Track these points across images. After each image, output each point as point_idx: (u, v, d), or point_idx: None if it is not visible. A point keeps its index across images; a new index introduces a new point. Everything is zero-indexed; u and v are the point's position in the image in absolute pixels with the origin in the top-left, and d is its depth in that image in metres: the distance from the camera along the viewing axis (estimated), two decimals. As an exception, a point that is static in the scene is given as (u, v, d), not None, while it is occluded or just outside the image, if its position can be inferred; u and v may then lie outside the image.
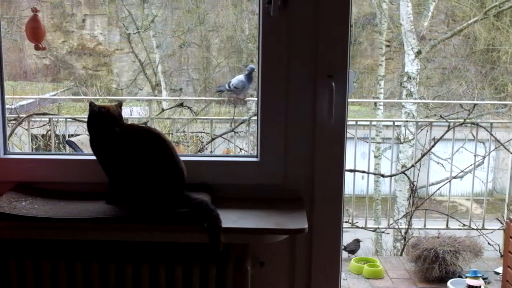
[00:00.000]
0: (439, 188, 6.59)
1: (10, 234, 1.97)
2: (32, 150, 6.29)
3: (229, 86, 5.69)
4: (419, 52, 8.89)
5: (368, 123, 10.33)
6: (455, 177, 7.07)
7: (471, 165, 6.37)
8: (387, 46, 10.04)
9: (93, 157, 2.03)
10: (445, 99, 9.37)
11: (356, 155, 6.04)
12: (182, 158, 2.03)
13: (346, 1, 2.05)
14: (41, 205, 2.02)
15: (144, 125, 2.09)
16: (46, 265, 2.00)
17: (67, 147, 4.46)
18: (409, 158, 8.57)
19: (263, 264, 2.12)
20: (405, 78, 9.02)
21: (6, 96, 2.15)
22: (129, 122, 6.50)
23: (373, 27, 10.43)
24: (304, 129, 2.14)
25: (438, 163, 7.39)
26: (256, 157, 2.19)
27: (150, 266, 2.00)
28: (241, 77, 5.65)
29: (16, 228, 1.94)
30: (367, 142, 6.87)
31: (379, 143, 8.73)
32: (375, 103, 9.72)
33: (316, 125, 2.12)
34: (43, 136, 6.20)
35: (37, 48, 2.18)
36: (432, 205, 7.12)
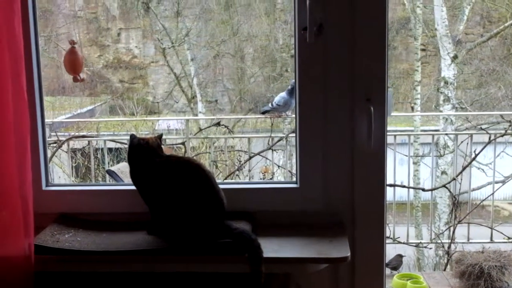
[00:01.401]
0: (482, 201, 6.43)
1: (54, 268, 1.99)
2: (71, 168, 6.37)
3: (272, 105, 5.69)
4: (455, 57, 8.78)
5: (404, 128, 10.26)
6: (497, 183, 6.97)
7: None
8: (423, 50, 9.95)
9: (134, 187, 2.05)
10: (484, 104, 9.23)
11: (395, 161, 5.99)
12: (221, 186, 2.03)
13: (382, 24, 2.03)
14: (83, 237, 2.04)
15: (183, 156, 2.09)
16: (90, 298, 2.01)
17: (107, 176, 4.49)
18: (448, 164, 8.47)
19: (305, 292, 2.11)
20: (441, 84, 8.92)
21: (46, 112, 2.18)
22: (167, 141, 6.62)
23: (408, 31, 10.35)
24: (343, 154, 2.12)
25: (479, 168, 7.27)
26: (296, 183, 2.18)
27: (193, 297, 2.00)
28: (283, 94, 5.64)
29: (60, 262, 1.95)
30: (406, 145, 6.80)
31: (417, 156, 8.64)
32: (412, 108, 9.63)
33: (355, 150, 2.10)
34: (82, 153, 6.28)
35: (75, 80, 2.20)
36: (474, 209, 6.99)
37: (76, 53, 2.22)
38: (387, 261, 5.28)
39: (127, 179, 2.11)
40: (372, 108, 2.04)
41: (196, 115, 9.34)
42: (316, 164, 2.13)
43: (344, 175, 2.13)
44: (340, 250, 1.97)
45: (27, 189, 1.87)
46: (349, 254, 1.94)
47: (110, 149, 7.02)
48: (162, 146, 2.05)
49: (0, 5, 1.72)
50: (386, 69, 2.06)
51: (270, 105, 5.69)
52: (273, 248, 1.97)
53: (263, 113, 6.02)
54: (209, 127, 6.35)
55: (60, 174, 6.65)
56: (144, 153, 2.02)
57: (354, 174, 2.12)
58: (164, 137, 7.95)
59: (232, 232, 1.94)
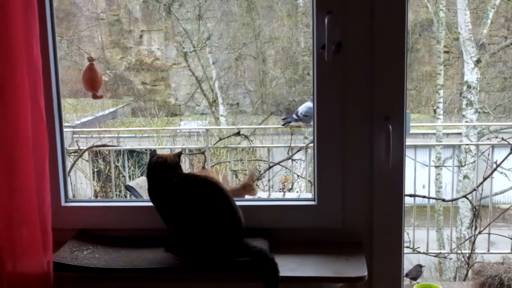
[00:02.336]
0: (503, 211, 6.37)
1: (73, 285, 2.01)
2: (93, 173, 6.42)
3: (297, 116, 5.41)
4: (478, 61, 8.71)
5: (427, 131, 10.21)
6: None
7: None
8: (446, 52, 9.88)
9: (152, 204, 2.06)
10: (507, 108, 9.15)
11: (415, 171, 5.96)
12: (239, 203, 2.03)
13: (401, 43, 2.02)
14: (102, 254, 2.05)
15: (201, 175, 2.09)
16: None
17: (128, 191, 4.51)
18: (471, 169, 8.40)
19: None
20: (464, 88, 8.85)
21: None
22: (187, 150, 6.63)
23: (431, 34, 10.28)
24: (361, 172, 2.11)
25: (501, 173, 7.21)
26: (314, 200, 2.18)
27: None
28: (308, 104, 5.39)
29: (79, 279, 1.97)
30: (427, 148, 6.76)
31: (438, 166, 8.58)
32: (435, 111, 9.57)
33: (373, 168, 2.10)
34: (103, 159, 6.34)
35: (94, 97, 2.21)
36: (496, 213, 6.93)
37: (94, 70, 2.24)
38: (406, 271, 5.27)
39: (146, 194, 2.12)
40: (390, 127, 2.03)
41: (218, 118, 9.35)
42: (334, 181, 2.13)
43: (362, 193, 2.13)
44: (357, 269, 1.97)
45: (46, 208, 1.89)
46: (366, 273, 1.94)
47: (131, 153, 7.06)
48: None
49: (19, 29, 1.74)
50: (405, 89, 2.05)
51: (295, 115, 5.43)
52: (290, 266, 1.97)
53: (286, 124, 5.80)
54: (228, 136, 6.35)
55: (83, 180, 6.72)
56: (162, 172, 2.03)
57: (372, 192, 2.12)
58: (184, 144, 7.98)
59: (249, 250, 1.95)
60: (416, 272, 5.27)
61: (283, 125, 6.02)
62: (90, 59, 2.25)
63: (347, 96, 2.07)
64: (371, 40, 2.03)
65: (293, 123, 5.71)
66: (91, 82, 2.23)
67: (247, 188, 3.48)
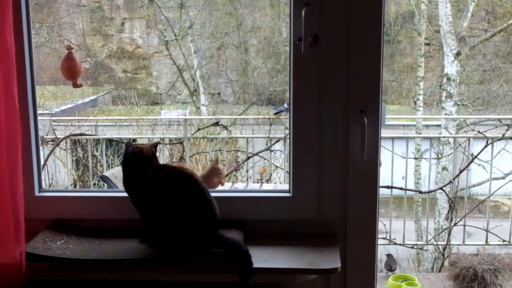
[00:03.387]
0: (479, 204, 6.42)
1: (46, 275, 1.99)
2: (72, 162, 6.38)
3: (288, 106, 5.43)
4: (458, 54, 8.75)
5: (407, 122, 10.26)
6: (496, 179, 6.98)
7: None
8: (427, 44, 9.93)
9: (127, 194, 2.05)
10: (486, 101, 9.22)
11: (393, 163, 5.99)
12: (214, 194, 2.03)
13: (378, 37, 2.02)
14: (75, 245, 2.04)
15: (176, 166, 2.08)
16: (81, 305, 2.02)
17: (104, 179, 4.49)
18: (449, 160, 8.47)
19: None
20: (444, 80, 8.91)
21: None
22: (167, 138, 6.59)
23: (412, 26, 10.32)
24: (336, 164, 2.12)
25: (479, 165, 7.28)
26: (289, 192, 2.18)
27: (183, 306, 2.01)
28: None
29: (51, 270, 1.96)
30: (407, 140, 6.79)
31: (416, 158, 8.63)
32: (415, 102, 9.63)
33: (348, 161, 2.10)
34: (82, 148, 6.30)
35: (75, 85, 2.19)
36: (473, 204, 6.99)
37: (73, 59, 2.22)
38: (382, 263, 5.32)
39: (121, 184, 2.11)
40: (366, 120, 2.04)
41: (199, 107, 9.34)
42: (309, 173, 2.13)
43: (337, 185, 2.13)
44: (331, 261, 1.97)
45: (18, 197, 1.87)
46: (339, 265, 1.94)
47: (110, 142, 7.02)
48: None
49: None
50: (381, 82, 2.05)
51: (286, 105, 5.48)
52: (263, 257, 1.97)
53: (277, 113, 5.83)
54: (207, 126, 6.34)
55: (62, 169, 6.68)
56: (137, 162, 2.02)
57: (347, 184, 2.12)
58: (164, 134, 7.94)
59: (223, 242, 1.94)
60: (391, 263, 5.32)
61: (274, 114, 6.05)
62: (69, 48, 2.23)
63: (323, 89, 2.07)
64: (347, 33, 2.03)
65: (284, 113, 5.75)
66: (70, 71, 2.21)
67: (214, 172, 3.48)
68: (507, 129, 5.96)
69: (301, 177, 2.15)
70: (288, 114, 2.21)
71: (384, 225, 5.71)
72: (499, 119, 6.36)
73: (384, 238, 5.70)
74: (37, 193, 2.20)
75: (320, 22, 2.01)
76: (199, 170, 6.08)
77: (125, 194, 2.06)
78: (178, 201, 1.95)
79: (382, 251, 5.65)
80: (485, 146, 5.96)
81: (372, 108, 2.06)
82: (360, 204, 2.13)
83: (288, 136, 2.26)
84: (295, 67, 2.07)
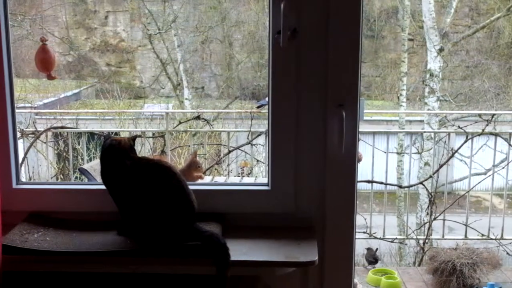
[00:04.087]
0: (458, 198, 6.47)
1: (23, 268, 1.99)
2: (54, 156, 6.35)
3: None
4: (441, 50, 8.80)
5: (390, 118, 10.30)
6: (478, 174, 7.03)
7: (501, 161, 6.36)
8: (410, 40, 9.97)
9: (105, 187, 2.04)
10: (468, 97, 9.29)
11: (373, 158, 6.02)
12: (192, 187, 2.03)
13: (356, 31, 2.03)
14: (53, 237, 2.04)
15: (154, 159, 2.08)
16: (58, 297, 2.02)
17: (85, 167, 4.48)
18: (432, 156, 8.52)
19: (274, 294, 2.13)
20: (427, 76, 8.95)
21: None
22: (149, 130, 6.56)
23: (396, 21, 10.35)
24: (315, 158, 2.12)
25: (461, 160, 7.33)
26: (267, 185, 2.18)
27: (161, 298, 2.01)
28: None
29: (28, 262, 1.95)
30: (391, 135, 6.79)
31: (398, 153, 8.68)
32: (398, 98, 9.66)
33: (326, 154, 2.11)
34: (64, 141, 6.27)
35: (49, 77, 2.18)
36: (455, 199, 7.04)
37: (48, 51, 2.20)
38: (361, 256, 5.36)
39: (99, 177, 2.10)
40: (344, 113, 2.04)
41: (182, 101, 9.32)
42: (287, 167, 2.14)
43: (315, 179, 2.14)
44: (308, 253, 1.98)
45: (-5, 190, 1.86)
46: (316, 258, 1.95)
47: (92, 135, 7.00)
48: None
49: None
50: (359, 75, 2.06)
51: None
52: (242, 250, 1.98)
53: (259, 107, 5.88)
54: (188, 120, 6.33)
55: (43, 162, 6.65)
56: (115, 154, 2.01)
57: (325, 178, 2.13)
58: (146, 127, 7.93)
59: (201, 234, 1.95)
60: (372, 255, 5.33)
61: (257, 107, 6.07)
62: (43, 39, 2.21)
63: (302, 82, 2.07)
64: (326, 27, 2.03)
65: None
66: (44, 63, 2.20)
67: (193, 165, 3.48)
68: (487, 125, 6.01)
69: (279, 170, 2.15)
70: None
71: (365, 219, 5.74)
72: (479, 115, 6.40)
73: (364, 232, 5.73)
74: (14, 186, 2.19)
75: (299, 16, 2.02)
76: (181, 163, 6.08)
77: (103, 187, 2.05)
78: (155, 194, 1.95)
79: (364, 246, 5.68)
80: (465, 141, 6.01)
81: (351, 101, 2.07)
82: (338, 197, 2.14)
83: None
84: (274, 61, 2.07)
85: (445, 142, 6.29)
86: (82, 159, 6.32)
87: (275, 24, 2.03)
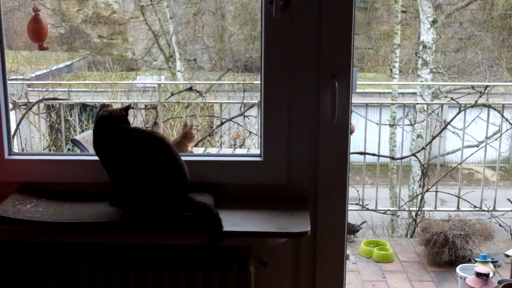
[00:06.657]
0: (450, 170, 6.49)
1: (15, 238, 1.99)
2: (46, 127, 6.33)
3: None
4: (434, 22, 8.76)
5: (383, 90, 10.28)
6: (470, 147, 7.05)
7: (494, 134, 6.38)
8: (403, 12, 9.92)
9: (98, 158, 2.04)
10: (461, 69, 9.27)
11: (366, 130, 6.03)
12: (185, 158, 2.03)
13: (349, 2, 2.01)
14: (45, 208, 2.04)
15: (146, 129, 2.08)
16: (51, 268, 2.02)
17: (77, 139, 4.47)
18: (424, 128, 8.53)
19: (266, 265, 2.14)
20: (420, 48, 8.92)
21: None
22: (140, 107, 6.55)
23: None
24: (307, 129, 2.12)
25: (454, 132, 7.34)
26: (260, 156, 2.18)
27: (154, 269, 2.01)
28: None
29: (20, 232, 1.95)
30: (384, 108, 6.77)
31: (392, 125, 8.68)
32: (391, 70, 9.65)
33: (319, 125, 2.11)
34: (56, 113, 6.25)
35: (41, 48, 2.16)
36: (447, 171, 7.06)
37: (40, 21, 2.18)
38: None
39: (92, 148, 2.09)
40: (336, 84, 2.04)
41: (175, 73, 9.27)
42: (280, 138, 2.13)
43: (307, 150, 2.14)
44: (300, 224, 1.98)
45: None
46: (308, 228, 1.95)
47: (85, 107, 6.97)
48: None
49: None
50: (352, 46, 2.05)
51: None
52: (234, 221, 1.98)
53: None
54: (180, 92, 6.31)
55: (36, 134, 6.63)
56: (107, 125, 2.00)
57: (318, 149, 2.13)
58: (138, 99, 7.91)
59: (194, 205, 1.95)
60: (351, 229, 5.29)
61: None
62: (36, 10, 2.19)
63: (294, 53, 2.06)
64: (319, -3, 2.02)
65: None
66: (36, 33, 2.18)
67: (187, 136, 3.48)
68: (480, 96, 6.01)
69: (272, 141, 2.15)
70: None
71: (358, 191, 5.76)
72: (472, 86, 6.40)
73: (357, 204, 5.75)
74: (7, 157, 2.19)
75: (292, -15, 2.00)
76: (173, 135, 6.07)
77: (96, 158, 2.05)
78: (148, 164, 1.95)
79: (357, 219, 5.70)
80: (458, 113, 6.01)
81: (343, 72, 2.06)
82: (330, 168, 2.14)
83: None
84: (266, 31, 2.06)
85: (437, 114, 6.28)
86: (75, 131, 6.30)
87: (267, -6, 2.02)
